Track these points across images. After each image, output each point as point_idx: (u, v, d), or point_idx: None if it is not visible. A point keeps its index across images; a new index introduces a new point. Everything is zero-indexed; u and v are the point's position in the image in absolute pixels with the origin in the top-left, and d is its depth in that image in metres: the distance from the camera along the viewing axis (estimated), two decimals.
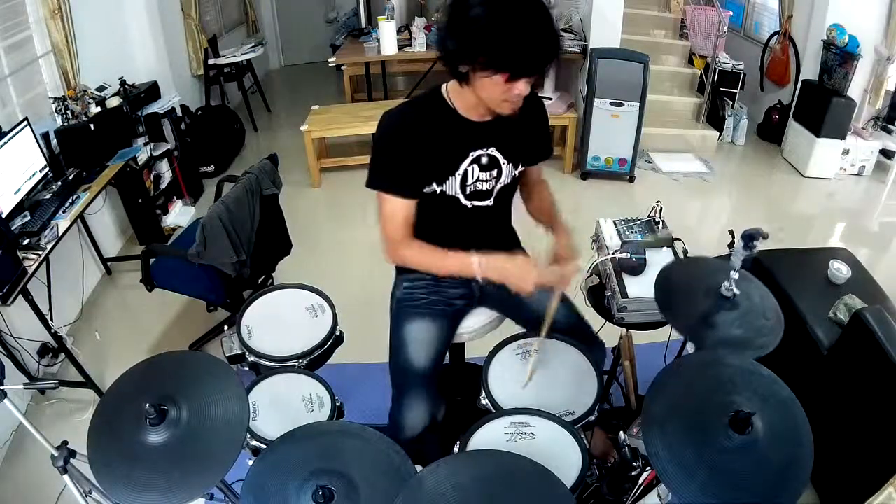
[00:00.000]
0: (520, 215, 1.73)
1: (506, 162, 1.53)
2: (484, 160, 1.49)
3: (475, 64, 1.28)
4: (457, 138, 1.46)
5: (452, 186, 1.49)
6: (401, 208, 1.46)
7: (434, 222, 1.53)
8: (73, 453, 1.39)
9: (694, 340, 1.51)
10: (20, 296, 2.15)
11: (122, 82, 3.42)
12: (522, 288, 1.37)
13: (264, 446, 1.41)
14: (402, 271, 1.72)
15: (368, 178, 1.46)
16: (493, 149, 1.49)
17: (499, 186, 1.55)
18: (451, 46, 1.30)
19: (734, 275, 1.47)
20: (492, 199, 1.56)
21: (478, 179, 1.51)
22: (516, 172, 1.57)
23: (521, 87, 1.30)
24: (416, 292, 1.68)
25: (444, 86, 1.46)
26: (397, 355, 1.63)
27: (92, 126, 2.91)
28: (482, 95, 1.35)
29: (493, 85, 1.29)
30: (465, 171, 1.49)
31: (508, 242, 1.74)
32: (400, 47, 4.74)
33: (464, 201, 1.52)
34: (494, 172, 1.52)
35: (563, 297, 1.72)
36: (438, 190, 1.49)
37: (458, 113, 1.45)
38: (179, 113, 4.08)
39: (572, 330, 1.66)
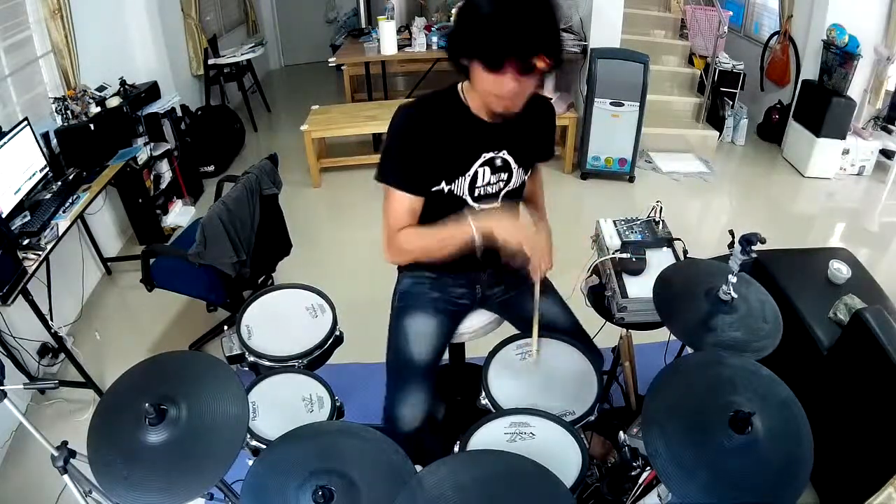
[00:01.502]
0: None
1: (517, 166, 1.52)
2: (497, 162, 1.49)
3: (462, 57, 1.29)
4: (470, 138, 1.45)
5: (461, 187, 1.48)
6: (407, 203, 1.45)
7: (438, 222, 1.52)
8: (73, 453, 1.39)
9: (692, 345, 1.51)
10: (20, 296, 2.15)
11: (122, 82, 3.42)
12: (514, 243, 1.36)
13: (264, 446, 1.41)
14: (404, 269, 1.72)
15: (378, 171, 1.45)
16: (504, 152, 1.49)
17: (506, 189, 1.54)
18: (449, 44, 1.32)
19: (732, 279, 1.47)
20: (498, 202, 1.55)
21: (487, 183, 1.50)
22: (525, 177, 1.57)
23: (508, 82, 1.26)
24: (419, 288, 1.68)
25: (460, 84, 1.45)
26: (397, 348, 1.63)
27: (92, 126, 2.91)
28: (478, 90, 1.34)
29: (483, 77, 1.28)
30: (476, 173, 1.48)
31: None
32: (400, 47, 4.74)
33: (471, 203, 1.51)
34: (504, 176, 1.52)
35: (561, 303, 1.72)
36: (446, 189, 1.47)
37: (472, 112, 1.43)
38: (179, 113, 4.09)
39: (569, 334, 1.66)
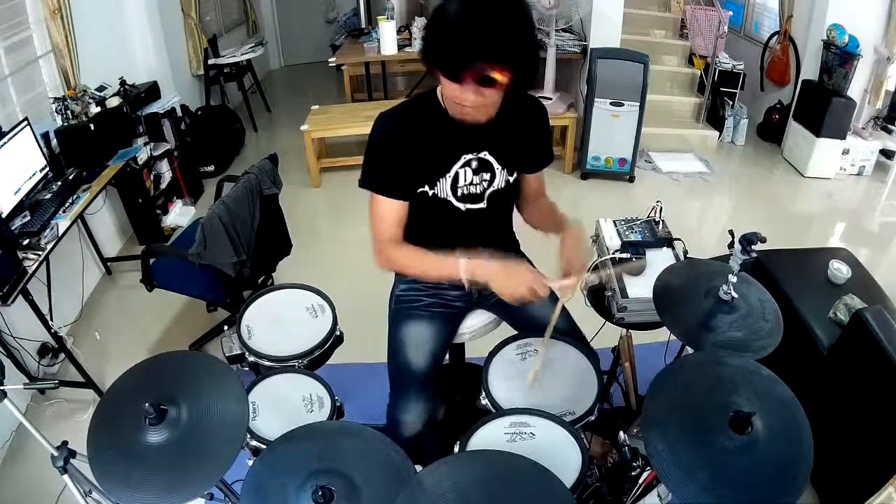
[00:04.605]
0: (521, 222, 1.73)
1: (500, 167, 1.51)
2: (475, 164, 1.48)
3: (429, 61, 1.28)
4: (448, 140, 1.45)
5: (443, 189, 1.49)
6: (392, 209, 1.45)
7: (428, 225, 1.52)
8: (73, 453, 1.39)
9: (692, 345, 1.51)
10: (20, 296, 2.15)
11: (122, 82, 3.42)
12: (512, 296, 1.32)
13: (264, 446, 1.41)
14: (400, 272, 1.72)
15: (361, 178, 1.46)
16: (485, 152, 1.48)
17: (490, 190, 1.54)
18: (422, 45, 1.30)
19: (732, 278, 1.47)
20: (484, 202, 1.54)
21: (470, 183, 1.50)
22: (511, 178, 1.56)
23: (469, 93, 1.25)
24: (414, 293, 1.68)
25: (439, 88, 1.45)
26: (396, 356, 1.63)
27: (92, 126, 2.91)
28: (445, 95, 1.35)
29: (446, 84, 1.29)
30: (457, 174, 1.48)
31: (507, 248, 1.73)
32: (400, 47, 4.75)
33: (456, 204, 1.52)
34: (487, 176, 1.51)
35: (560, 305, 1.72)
36: (430, 192, 1.48)
37: (450, 114, 1.42)
38: (179, 113, 4.08)
39: (567, 336, 1.66)
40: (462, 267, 1.38)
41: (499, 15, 1.17)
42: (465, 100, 1.27)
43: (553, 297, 1.46)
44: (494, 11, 1.17)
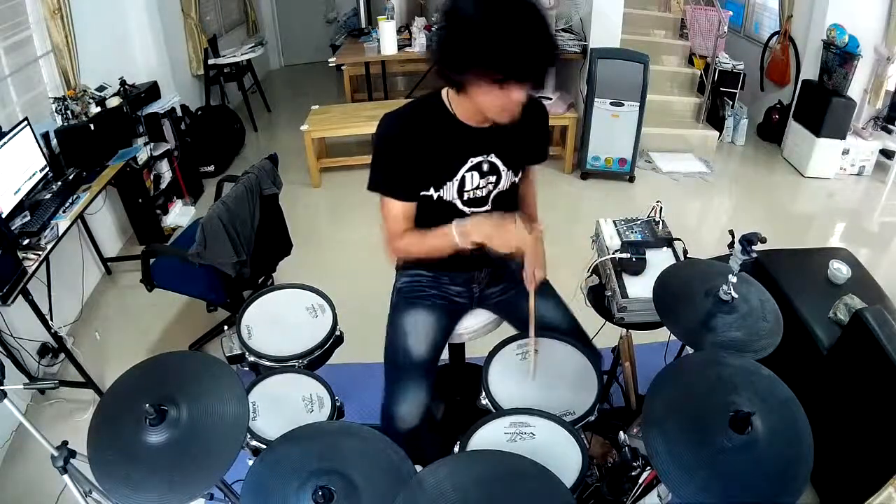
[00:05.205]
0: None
1: (505, 169, 1.52)
2: (485, 167, 1.49)
3: (467, 72, 1.26)
4: (456, 144, 1.45)
5: (450, 192, 1.49)
6: (400, 209, 1.47)
7: (430, 227, 1.52)
8: (73, 453, 1.39)
9: (692, 345, 1.51)
10: (20, 296, 2.15)
11: (122, 82, 3.42)
12: (504, 245, 1.36)
13: (264, 446, 1.41)
14: (401, 268, 1.72)
15: (369, 181, 1.47)
16: (492, 155, 1.49)
17: (495, 192, 1.54)
18: (443, 55, 1.29)
19: (732, 279, 1.47)
20: (489, 205, 1.55)
21: (476, 187, 1.51)
22: (515, 179, 1.57)
23: (517, 95, 1.28)
24: (416, 285, 1.69)
25: (444, 90, 1.45)
26: (394, 344, 1.63)
27: (92, 126, 2.91)
28: (478, 102, 1.33)
29: (488, 92, 1.28)
30: (463, 177, 1.48)
31: None
32: (400, 47, 4.75)
33: (461, 207, 1.52)
34: (493, 178, 1.52)
35: (560, 304, 1.72)
36: (435, 195, 1.49)
37: (458, 119, 1.43)
38: (179, 113, 4.08)
39: (569, 335, 1.66)
40: (455, 230, 1.40)
41: (540, 18, 1.22)
42: (513, 103, 1.30)
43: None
44: (536, 16, 1.21)
